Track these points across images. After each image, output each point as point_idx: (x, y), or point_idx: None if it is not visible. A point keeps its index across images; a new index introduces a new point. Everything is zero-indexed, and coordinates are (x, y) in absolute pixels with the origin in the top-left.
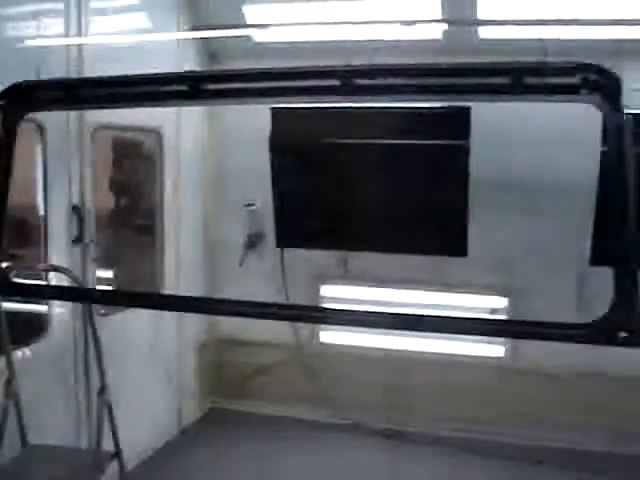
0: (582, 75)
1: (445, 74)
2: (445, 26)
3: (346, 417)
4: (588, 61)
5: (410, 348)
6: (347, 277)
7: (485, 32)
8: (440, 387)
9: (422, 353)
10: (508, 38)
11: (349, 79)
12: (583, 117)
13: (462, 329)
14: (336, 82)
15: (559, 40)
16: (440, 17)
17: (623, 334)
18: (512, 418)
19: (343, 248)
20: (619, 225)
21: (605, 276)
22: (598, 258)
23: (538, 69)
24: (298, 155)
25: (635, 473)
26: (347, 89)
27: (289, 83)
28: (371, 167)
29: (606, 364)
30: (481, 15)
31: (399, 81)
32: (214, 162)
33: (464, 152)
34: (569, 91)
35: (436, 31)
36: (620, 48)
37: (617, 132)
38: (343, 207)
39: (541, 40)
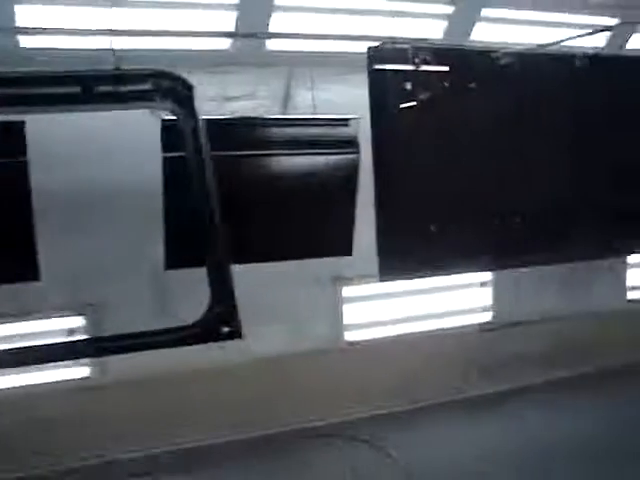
0: (155, 82)
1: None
2: None
3: None
4: (160, 68)
5: None
6: None
7: (27, 41)
8: (29, 421)
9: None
10: (53, 47)
11: None
12: (146, 126)
13: (52, 357)
14: None
15: (128, 50)
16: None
17: (226, 328)
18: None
19: None
20: (207, 225)
21: (180, 278)
22: (173, 261)
23: (110, 77)
24: None
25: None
26: None
27: None
28: None
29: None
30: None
31: None
32: None
33: (22, 170)
34: (143, 98)
35: None
36: (193, 57)
37: (193, 136)
38: None
39: (112, 50)
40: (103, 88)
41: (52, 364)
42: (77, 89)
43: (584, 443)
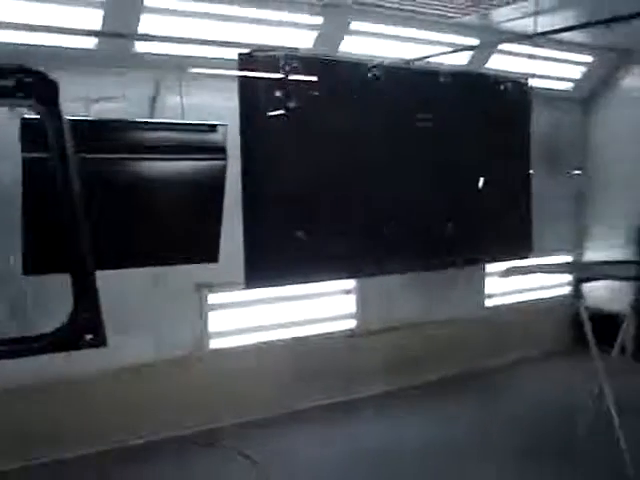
0: (17, 78)
1: None
2: None
3: None
4: (24, 64)
5: None
6: None
7: None
8: None
9: None
10: None
11: None
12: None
13: None
14: None
15: None
16: None
17: (89, 336)
18: None
19: None
20: (71, 229)
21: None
22: (32, 266)
23: None
24: None
25: None
26: None
27: None
28: None
29: None
30: None
31: None
32: None
33: None
34: (4, 94)
35: None
36: (56, 55)
37: (56, 137)
38: None
39: None
40: None
41: None
42: None
43: (435, 444)
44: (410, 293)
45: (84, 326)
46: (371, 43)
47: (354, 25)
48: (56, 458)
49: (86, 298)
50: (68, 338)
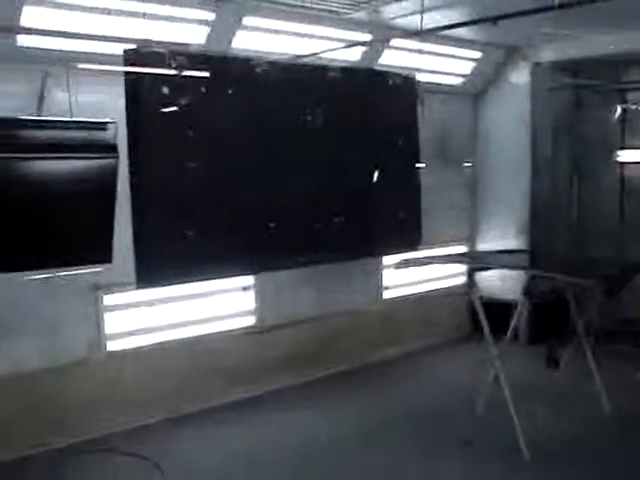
0: None
1: None
2: None
3: None
4: None
5: None
6: None
7: None
8: None
9: None
10: None
11: None
12: None
13: None
14: None
15: None
16: None
17: None
18: None
19: None
20: None
21: None
22: None
23: None
24: None
25: None
26: None
27: None
28: None
29: None
30: None
31: None
32: None
33: None
34: None
35: None
36: None
37: None
38: None
39: None
40: None
41: None
42: None
43: (335, 437)
44: (309, 288)
45: None
46: (264, 39)
47: (247, 20)
48: None
49: None
50: None
